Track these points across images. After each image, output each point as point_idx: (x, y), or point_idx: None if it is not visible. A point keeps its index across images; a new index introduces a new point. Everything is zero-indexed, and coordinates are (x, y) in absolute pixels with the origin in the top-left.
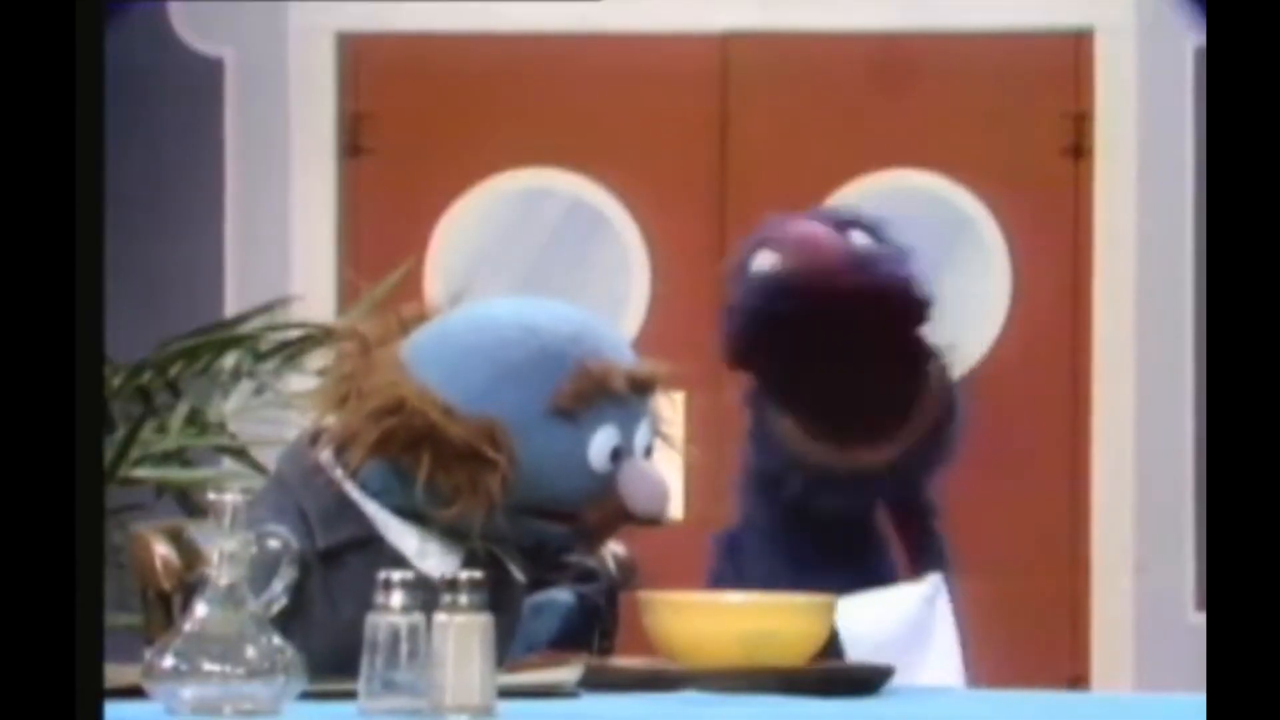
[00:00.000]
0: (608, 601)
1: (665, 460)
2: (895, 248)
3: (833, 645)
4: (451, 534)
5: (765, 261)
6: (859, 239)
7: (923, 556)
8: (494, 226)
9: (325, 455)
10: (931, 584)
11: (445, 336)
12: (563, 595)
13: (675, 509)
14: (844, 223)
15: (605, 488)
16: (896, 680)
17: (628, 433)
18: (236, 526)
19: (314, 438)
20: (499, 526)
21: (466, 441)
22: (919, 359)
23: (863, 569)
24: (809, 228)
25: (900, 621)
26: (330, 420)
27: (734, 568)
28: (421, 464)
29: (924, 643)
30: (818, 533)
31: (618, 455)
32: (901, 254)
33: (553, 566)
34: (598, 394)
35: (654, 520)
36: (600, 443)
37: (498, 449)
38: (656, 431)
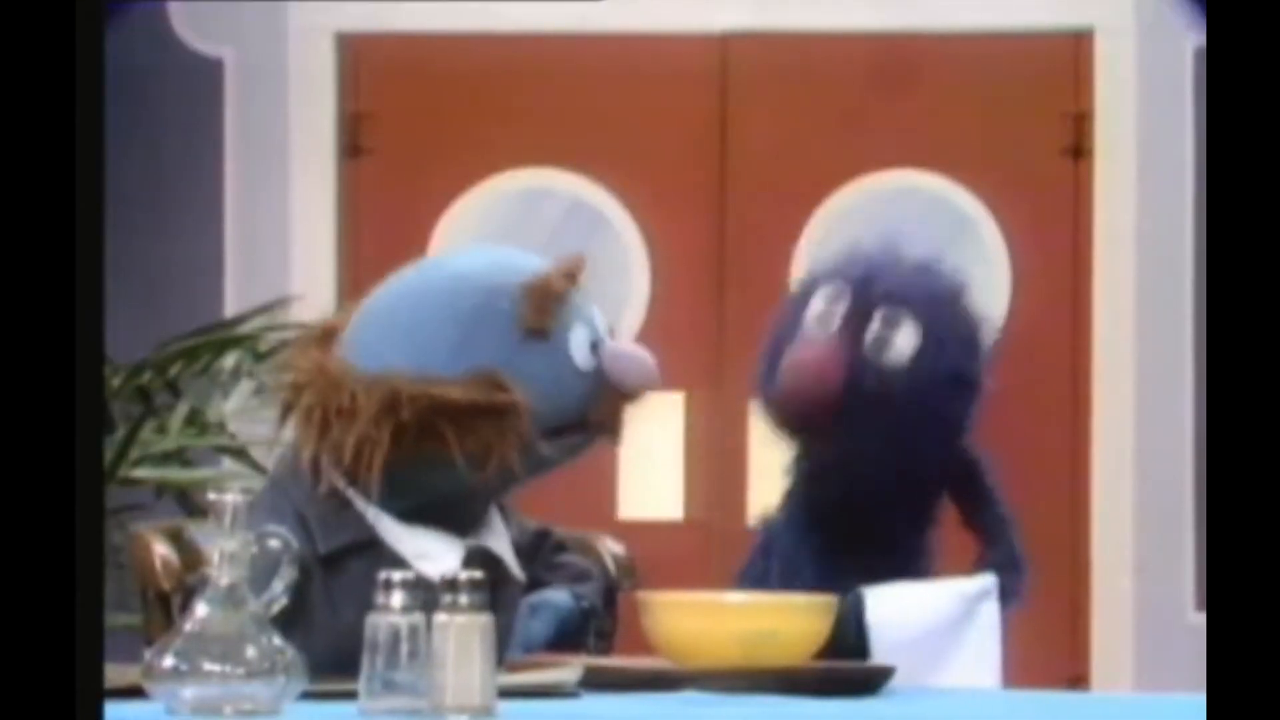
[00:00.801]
0: (606, 602)
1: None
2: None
3: (859, 636)
4: (450, 531)
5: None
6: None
7: (988, 563)
8: (494, 227)
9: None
10: (980, 584)
11: (387, 324)
12: (559, 596)
13: (657, 374)
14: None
15: (598, 382)
16: (923, 679)
17: (591, 325)
18: (237, 526)
19: (313, 458)
20: (535, 460)
21: (474, 399)
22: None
23: (903, 573)
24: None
25: (934, 617)
26: (321, 444)
27: (766, 565)
28: (448, 440)
29: (957, 644)
30: (857, 530)
31: (595, 348)
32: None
33: (548, 566)
34: (554, 302)
35: (648, 387)
36: (578, 343)
37: (505, 389)
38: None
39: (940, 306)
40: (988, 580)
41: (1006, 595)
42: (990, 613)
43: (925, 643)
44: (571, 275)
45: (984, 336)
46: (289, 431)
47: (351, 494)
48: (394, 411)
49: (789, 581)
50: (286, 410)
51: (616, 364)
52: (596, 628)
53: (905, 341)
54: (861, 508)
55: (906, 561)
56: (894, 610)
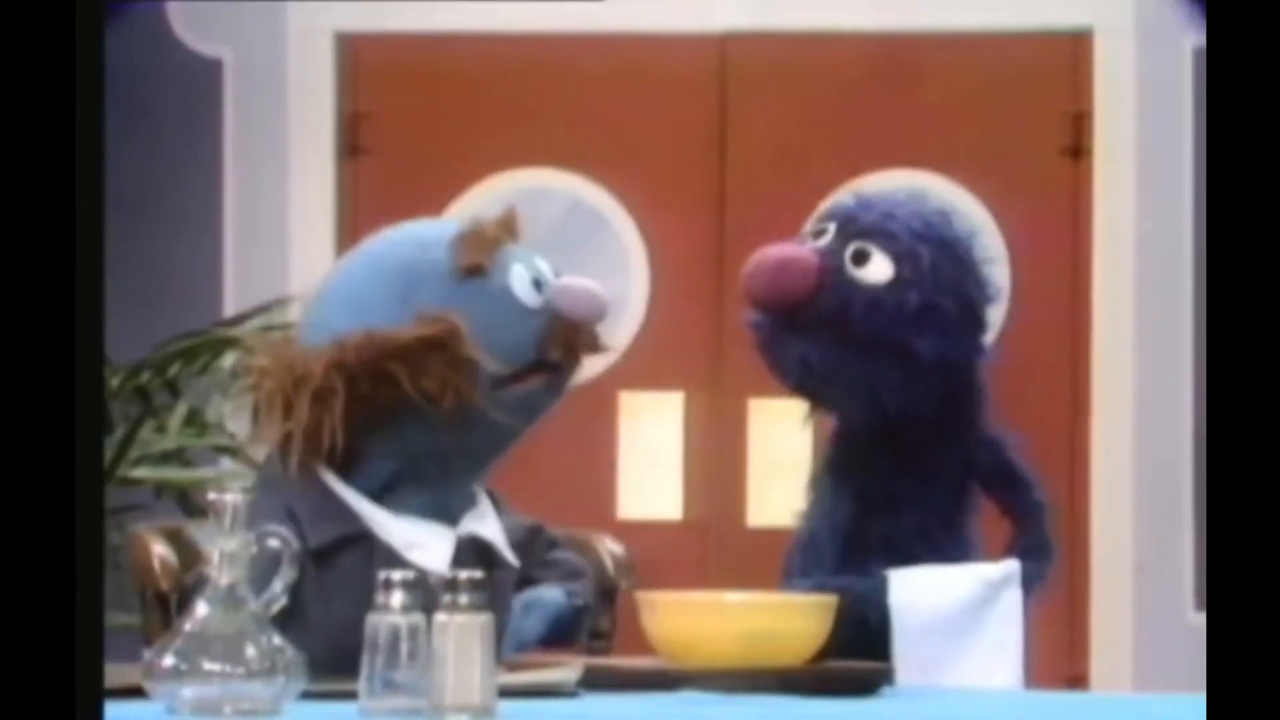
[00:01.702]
0: (605, 601)
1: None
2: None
3: (883, 619)
4: (439, 520)
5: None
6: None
7: (1018, 548)
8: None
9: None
10: (1003, 569)
11: (330, 297)
12: (552, 594)
13: (608, 306)
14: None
15: (547, 319)
16: (945, 663)
17: (531, 264)
18: (236, 526)
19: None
20: (499, 405)
21: (416, 336)
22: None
23: (922, 555)
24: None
25: (957, 601)
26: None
27: (802, 561)
28: (400, 379)
29: (979, 628)
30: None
31: (540, 286)
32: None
33: (541, 564)
34: (489, 244)
35: (599, 319)
36: (519, 279)
37: (445, 322)
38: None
39: (926, 245)
40: (1011, 565)
41: (1031, 581)
42: (1013, 598)
43: (948, 626)
44: (506, 224)
45: (979, 286)
46: (259, 430)
47: (339, 487)
48: (342, 365)
49: (812, 565)
50: (255, 410)
51: (564, 296)
52: (591, 626)
53: (878, 270)
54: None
55: (935, 552)
56: (917, 593)
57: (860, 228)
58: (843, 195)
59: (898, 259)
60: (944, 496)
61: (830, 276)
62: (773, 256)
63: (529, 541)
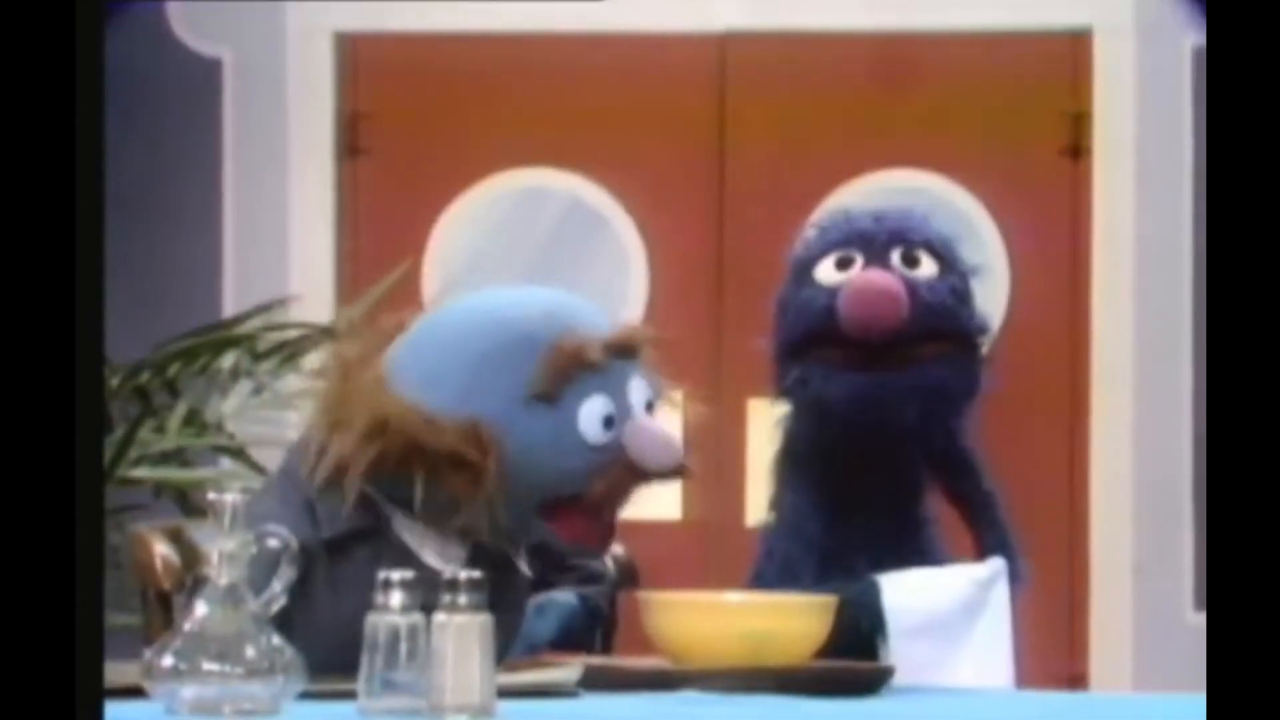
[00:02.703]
0: (606, 602)
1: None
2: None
3: (874, 624)
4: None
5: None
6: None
7: (986, 545)
8: (492, 226)
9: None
10: (990, 568)
11: (418, 342)
12: (565, 597)
13: (681, 458)
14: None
15: (610, 458)
16: (939, 663)
17: (619, 398)
18: (236, 526)
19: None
20: (510, 524)
21: (453, 449)
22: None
23: (903, 557)
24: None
25: (947, 602)
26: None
27: (766, 559)
28: (415, 480)
29: (971, 627)
30: (844, 516)
31: (611, 423)
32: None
33: (559, 568)
34: (575, 369)
35: (668, 473)
36: (589, 414)
37: (483, 449)
38: (655, 390)
39: (935, 234)
40: (997, 564)
41: (1012, 578)
42: (1001, 595)
43: (940, 628)
44: (616, 346)
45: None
46: (310, 417)
47: (361, 482)
48: (377, 437)
49: (789, 581)
50: (315, 395)
51: (633, 438)
52: (603, 630)
53: (928, 267)
54: (854, 463)
55: (908, 534)
56: (908, 597)
57: (886, 240)
58: (834, 219)
59: (934, 254)
60: (910, 487)
61: (916, 290)
62: (873, 288)
63: (544, 546)
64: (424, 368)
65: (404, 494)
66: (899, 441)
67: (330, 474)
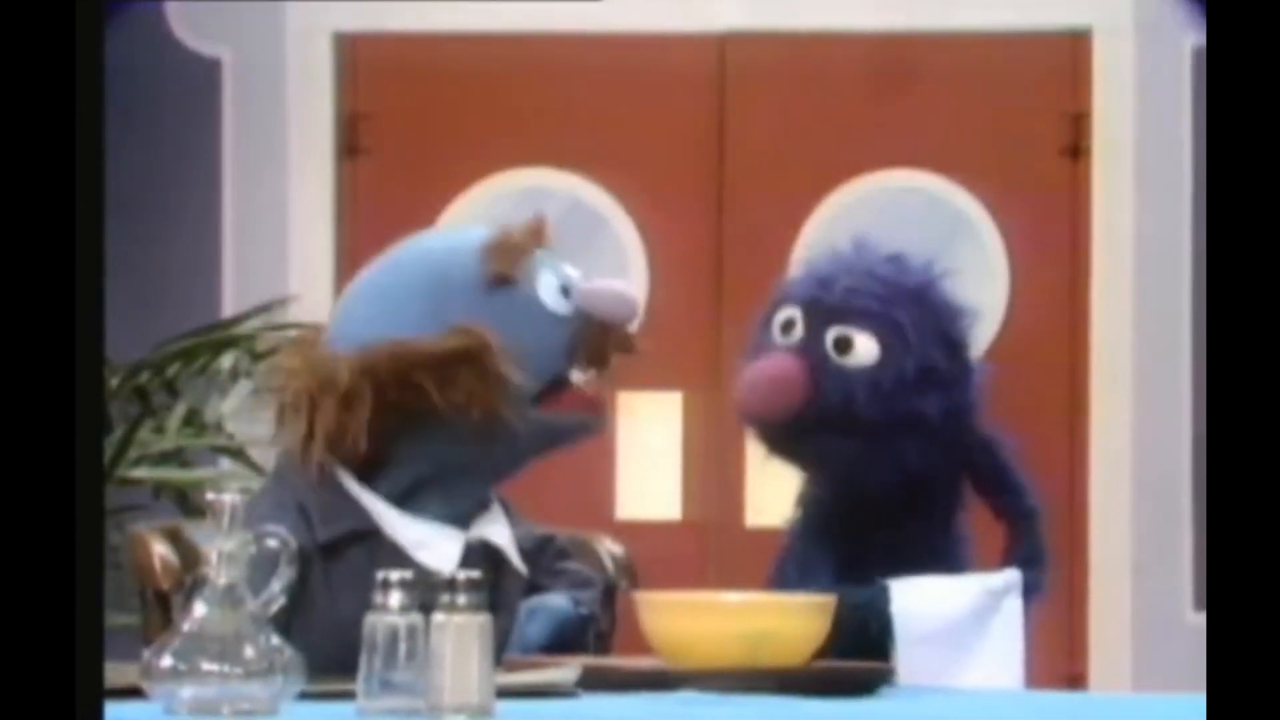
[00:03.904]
0: (604, 603)
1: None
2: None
3: (882, 629)
4: (450, 522)
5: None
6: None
7: (1013, 557)
8: (492, 226)
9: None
10: (1004, 578)
11: (356, 305)
12: (557, 601)
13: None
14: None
15: (578, 325)
16: (946, 672)
17: (559, 272)
18: (235, 526)
19: (305, 442)
20: (528, 422)
21: (446, 348)
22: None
23: (925, 564)
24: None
25: (958, 610)
26: (311, 426)
27: (790, 563)
28: (429, 390)
29: (980, 637)
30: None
31: (568, 292)
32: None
33: (550, 573)
34: (517, 251)
35: (629, 319)
36: (547, 286)
37: (474, 336)
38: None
39: (900, 307)
40: (1012, 575)
41: (1030, 590)
42: (1014, 607)
43: (949, 636)
44: (535, 232)
45: (959, 325)
46: (283, 429)
47: (351, 484)
48: (371, 372)
49: (808, 582)
50: (280, 410)
51: (593, 299)
52: (595, 634)
53: (865, 350)
54: (875, 513)
55: (932, 557)
56: (918, 603)
57: (830, 310)
58: (795, 273)
59: (880, 334)
60: (941, 500)
61: (822, 378)
62: (764, 376)
63: (539, 550)
64: (375, 319)
65: (410, 451)
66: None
67: (336, 432)
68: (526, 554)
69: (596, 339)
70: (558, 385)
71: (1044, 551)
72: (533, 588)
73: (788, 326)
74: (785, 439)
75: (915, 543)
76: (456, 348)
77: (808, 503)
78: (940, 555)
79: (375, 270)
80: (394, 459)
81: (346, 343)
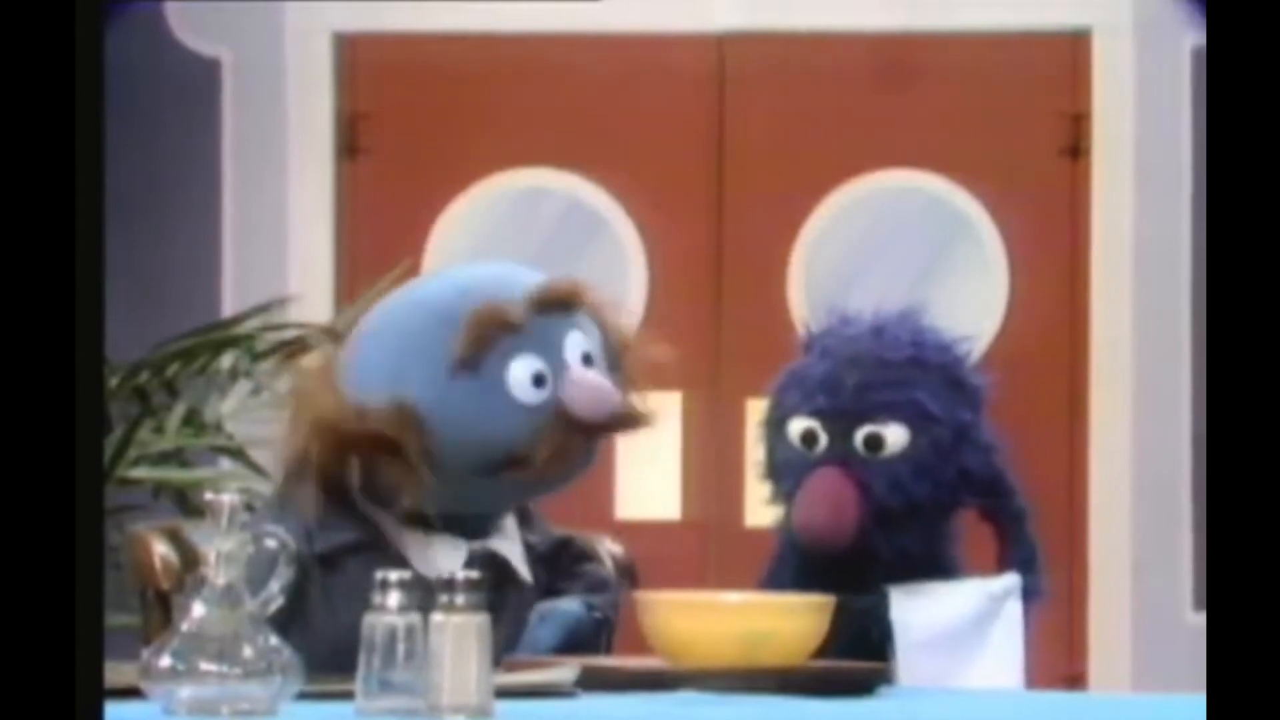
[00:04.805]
0: (615, 611)
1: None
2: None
3: (883, 634)
4: (455, 534)
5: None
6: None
7: (1008, 560)
8: (491, 227)
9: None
10: (1004, 583)
11: (359, 341)
12: (569, 604)
13: (616, 407)
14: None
15: (546, 417)
16: (947, 677)
17: (551, 355)
18: (234, 526)
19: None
20: (467, 497)
21: (376, 433)
22: None
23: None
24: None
25: (959, 616)
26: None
27: (783, 568)
28: (352, 471)
29: (981, 642)
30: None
31: (544, 380)
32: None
33: (567, 575)
34: (494, 332)
35: (604, 425)
36: (518, 374)
37: (406, 428)
38: (603, 340)
39: (912, 385)
40: (1011, 579)
41: (1029, 593)
42: (1014, 611)
43: (950, 641)
44: (541, 302)
45: (962, 366)
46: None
47: (355, 495)
48: (314, 439)
49: (803, 587)
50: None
51: (567, 392)
52: (607, 639)
53: (895, 440)
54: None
55: (928, 560)
56: (918, 609)
57: (848, 414)
58: (793, 373)
59: (905, 418)
60: (940, 504)
61: (869, 481)
62: (820, 501)
63: (556, 553)
64: (359, 358)
65: (396, 501)
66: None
67: (290, 473)
68: (543, 557)
69: (563, 432)
70: (519, 465)
71: (1038, 553)
72: (550, 590)
73: (809, 439)
74: (848, 551)
75: (915, 546)
76: (375, 434)
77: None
78: (935, 558)
79: (383, 304)
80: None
81: (343, 374)
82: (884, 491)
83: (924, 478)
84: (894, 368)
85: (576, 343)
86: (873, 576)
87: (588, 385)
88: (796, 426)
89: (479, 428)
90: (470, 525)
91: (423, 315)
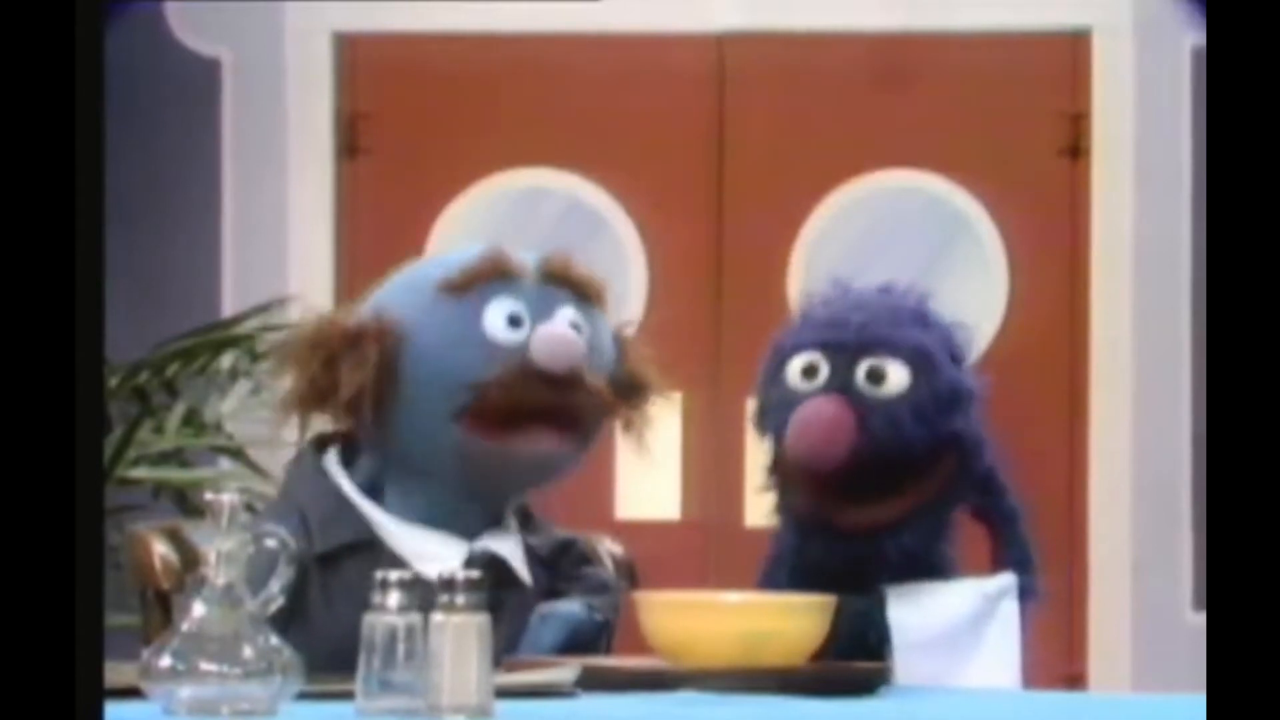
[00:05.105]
0: (617, 614)
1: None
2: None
3: (880, 636)
4: (454, 533)
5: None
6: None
7: (1002, 560)
8: (491, 227)
9: (329, 459)
10: (999, 582)
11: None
12: (570, 606)
13: (577, 362)
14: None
15: (515, 360)
16: (944, 678)
17: (536, 308)
18: (234, 526)
19: (319, 444)
20: (424, 431)
21: (356, 336)
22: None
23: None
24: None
25: (955, 616)
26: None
27: (778, 570)
28: (313, 368)
29: (978, 642)
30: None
31: (519, 323)
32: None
33: (568, 577)
34: (492, 272)
35: (558, 374)
36: (495, 310)
37: (383, 336)
38: (600, 327)
39: (917, 331)
40: (1007, 578)
41: (1025, 593)
42: (1010, 611)
43: (946, 641)
44: (546, 267)
45: (962, 343)
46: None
47: (353, 493)
48: (303, 346)
49: (799, 588)
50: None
51: (535, 339)
52: (608, 642)
53: (897, 378)
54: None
55: (924, 560)
56: (915, 610)
57: (853, 346)
58: (818, 308)
59: (908, 359)
60: (935, 505)
61: (866, 414)
62: (814, 423)
63: (559, 555)
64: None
65: (398, 483)
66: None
67: (288, 406)
68: (545, 559)
69: (518, 375)
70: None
71: (1032, 553)
72: (552, 592)
73: (810, 372)
74: (839, 482)
75: (913, 546)
76: (355, 335)
77: (788, 511)
78: (929, 557)
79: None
80: (365, 445)
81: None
82: (881, 425)
83: (922, 423)
84: (900, 313)
85: (568, 315)
86: (869, 578)
87: (555, 334)
88: (797, 364)
89: (446, 354)
90: (470, 525)
91: (437, 260)
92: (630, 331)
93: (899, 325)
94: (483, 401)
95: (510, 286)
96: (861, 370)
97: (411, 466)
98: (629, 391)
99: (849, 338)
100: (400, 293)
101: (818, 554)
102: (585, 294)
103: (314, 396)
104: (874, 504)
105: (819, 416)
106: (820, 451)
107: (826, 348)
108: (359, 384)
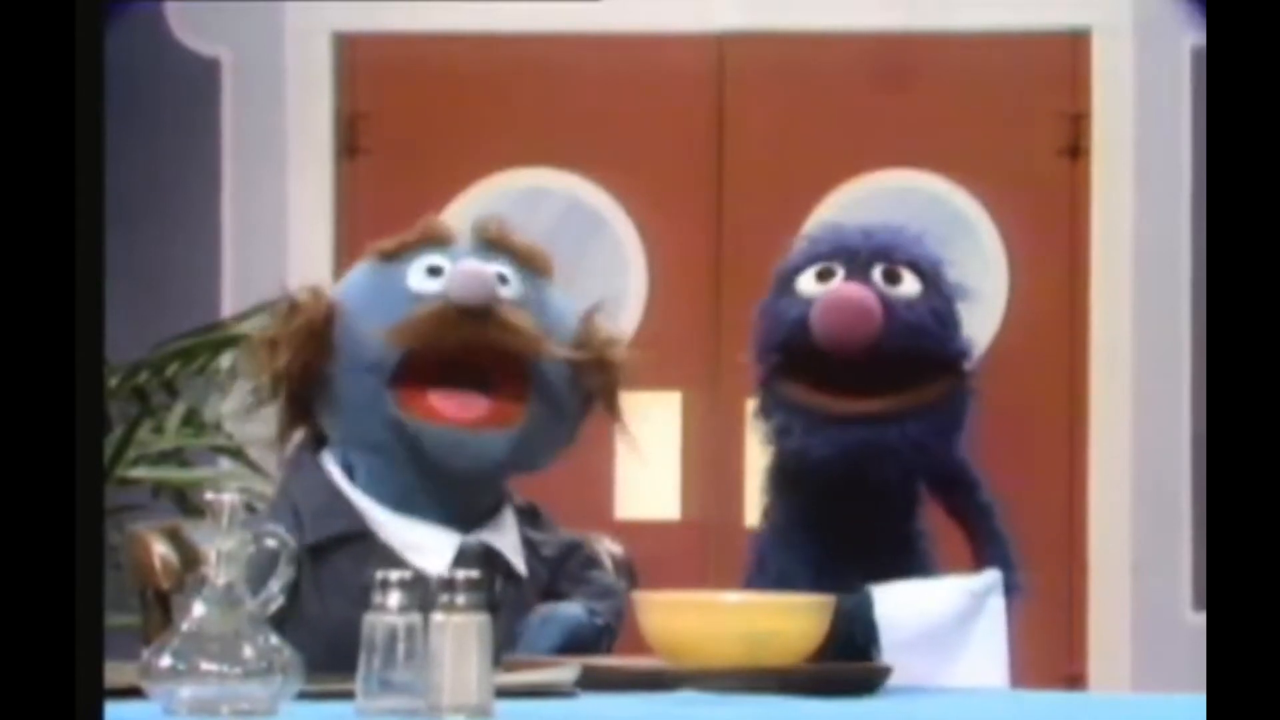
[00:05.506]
0: (619, 619)
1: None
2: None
3: (867, 635)
4: (446, 524)
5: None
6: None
7: (983, 557)
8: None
9: (325, 454)
10: (985, 580)
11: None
12: (570, 609)
13: (491, 293)
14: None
15: (439, 305)
16: (931, 676)
17: (450, 257)
18: (233, 526)
19: (316, 440)
20: (363, 402)
21: (290, 307)
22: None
23: (896, 569)
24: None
25: (942, 614)
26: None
27: (759, 569)
28: (262, 355)
29: (965, 640)
30: (838, 530)
31: (438, 272)
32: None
33: (573, 580)
34: (424, 237)
35: (473, 306)
36: (417, 265)
37: (319, 309)
38: (537, 295)
39: (923, 254)
40: (992, 575)
41: (1009, 589)
42: (997, 607)
43: (934, 639)
44: (482, 229)
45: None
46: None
47: (345, 485)
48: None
49: (785, 590)
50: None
51: (449, 276)
52: (608, 646)
53: (909, 284)
54: (848, 508)
55: (905, 548)
56: (902, 608)
57: (870, 252)
58: (823, 231)
59: (919, 272)
60: (904, 502)
61: (887, 305)
62: (845, 301)
63: (564, 557)
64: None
65: (389, 473)
66: (884, 484)
67: (262, 400)
68: (550, 560)
69: (437, 313)
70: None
71: (1010, 548)
72: (553, 592)
73: (825, 275)
74: (860, 367)
75: (885, 544)
76: (288, 307)
77: (775, 513)
78: (909, 553)
79: None
80: (324, 424)
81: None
82: (904, 316)
83: (939, 324)
84: (904, 233)
85: (496, 269)
86: (877, 467)
87: (467, 268)
88: (810, 273)
89: (370, 311)
90: (463, 517)
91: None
92: (600, 315)
93: (907, 241)
94: (409, 361)
95: (443, 250)
96: (877, 271)
97: (362, 442)
98: (594, 367)
99: (861, 246)
100: (349, 273)
101: (822, 449)
102: (526, 262)
103: (274, 382)
104: (885, 395)
105: (850, 297)
106: (853, 327)
107: (845, 255)
108: (293, 351)
